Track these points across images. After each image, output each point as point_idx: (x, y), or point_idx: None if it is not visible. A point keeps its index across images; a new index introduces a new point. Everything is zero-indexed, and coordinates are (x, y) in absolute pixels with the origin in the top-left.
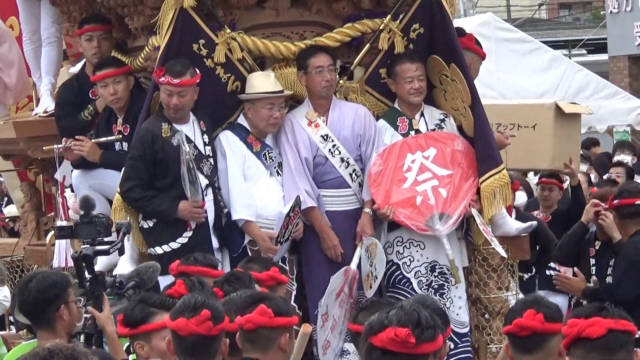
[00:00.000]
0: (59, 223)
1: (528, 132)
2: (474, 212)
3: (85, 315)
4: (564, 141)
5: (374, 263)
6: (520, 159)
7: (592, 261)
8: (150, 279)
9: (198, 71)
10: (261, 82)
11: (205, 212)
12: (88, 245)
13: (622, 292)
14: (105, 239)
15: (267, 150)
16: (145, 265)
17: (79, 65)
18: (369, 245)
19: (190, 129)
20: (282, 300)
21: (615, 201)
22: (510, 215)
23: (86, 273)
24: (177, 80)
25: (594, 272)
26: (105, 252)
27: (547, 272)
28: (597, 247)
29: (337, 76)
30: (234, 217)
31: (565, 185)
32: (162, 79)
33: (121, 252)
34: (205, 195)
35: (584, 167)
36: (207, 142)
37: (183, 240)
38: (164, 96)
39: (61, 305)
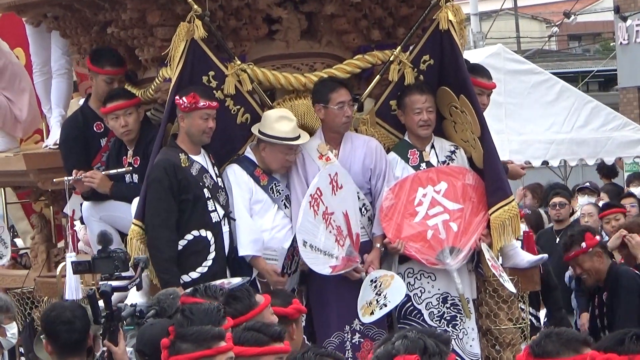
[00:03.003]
0: (69, 256)
1: None
2: (484, 247)
3: (102, 348)
4: None
5: (385, 293)
6: None
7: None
8: (170, 307)
9: None
10: (283, 127)
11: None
12: (106, 281)
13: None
14: (123, 274)
15: (275, 184)
16: (165, 292)
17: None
18: (378, 277)
19: (204, 160)
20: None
21: None
22: (526, 248)
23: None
24: (215, 103)
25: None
26: (123, 289)
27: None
28: None
29: None
30: (241, 252)
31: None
32: (202, 103)
33: (139, 287)
34: (223, 226)
35: (592, 199)
36: (218, 174)
37: (203, 269)
38: (200, 121)
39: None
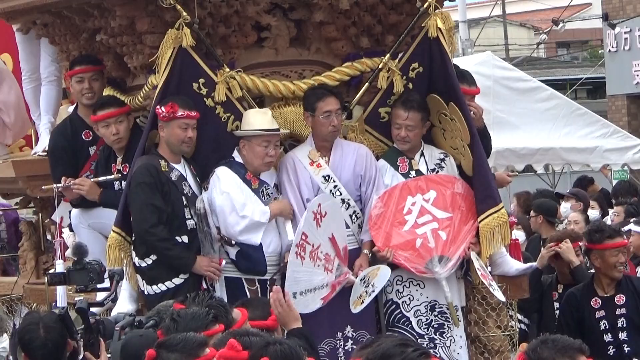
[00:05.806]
0: (58, 263)
1: None
2: (473, 255)
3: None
4: None
5: (372, 282)
6: None
7: (556, 305)
8: None
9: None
10: (258, 120)
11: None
12: (82, 297)
13: None
14: (98, 286)
15: (265, 187)
16: (165, 304)
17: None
18: (366, 274)
19: (183, 168)
20: None
21: None
22: (512, 255)
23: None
24: (194, 113)
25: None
26: (100, 304)
27: None
28: (559, 291)
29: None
30: (263, 222)
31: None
32: (181, 112)
33: (114, 300)
34: (199, 232)
35: (568, 204)
36: (199, 182)
37: (186, 275)
38: (179, 131)
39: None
